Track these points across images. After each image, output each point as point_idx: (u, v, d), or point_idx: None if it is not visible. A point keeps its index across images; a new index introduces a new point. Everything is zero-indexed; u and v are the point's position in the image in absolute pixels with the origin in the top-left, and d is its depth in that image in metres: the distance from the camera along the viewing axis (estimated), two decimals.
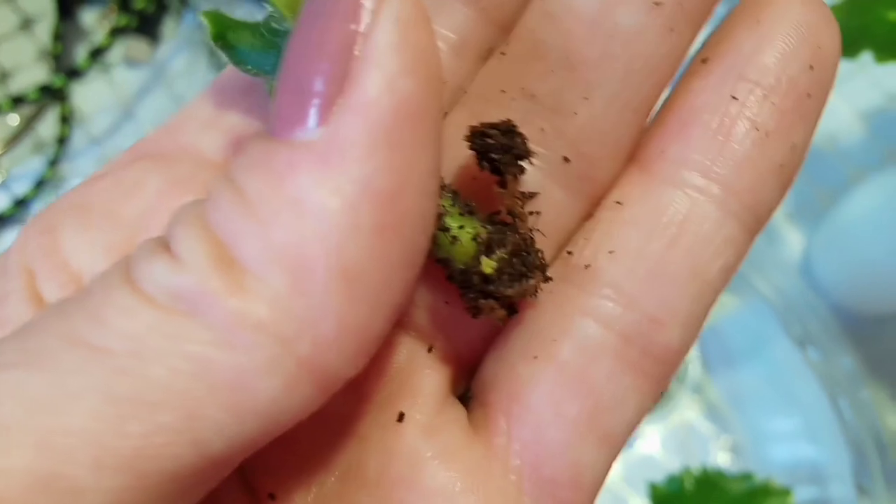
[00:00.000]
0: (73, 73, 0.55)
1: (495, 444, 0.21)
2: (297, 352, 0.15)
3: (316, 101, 0.15)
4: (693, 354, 0.48)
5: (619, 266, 0.21)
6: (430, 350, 0.22)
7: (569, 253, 0.22)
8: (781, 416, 0.49)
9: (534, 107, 0.21)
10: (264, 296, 0.15)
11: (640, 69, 0.21)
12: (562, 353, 0.21)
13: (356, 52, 0.15)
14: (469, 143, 0.20)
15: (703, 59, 0.22)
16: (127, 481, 0.14)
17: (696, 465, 0.50)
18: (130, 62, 0.59)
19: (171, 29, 0.59)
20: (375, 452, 0.21)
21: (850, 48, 0.37)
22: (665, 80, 0.22)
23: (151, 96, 0.58)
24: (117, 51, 0.59)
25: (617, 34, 0.21)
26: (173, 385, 0.14)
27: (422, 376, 0.21)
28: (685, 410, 0.51)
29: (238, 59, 0.20)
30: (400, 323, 0.21)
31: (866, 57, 0.39)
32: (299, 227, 0.15)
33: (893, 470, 0.45)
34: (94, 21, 0.59)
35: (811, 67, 0.21)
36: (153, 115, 0.57)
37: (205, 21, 0.21)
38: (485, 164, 0.20)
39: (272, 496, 0.20)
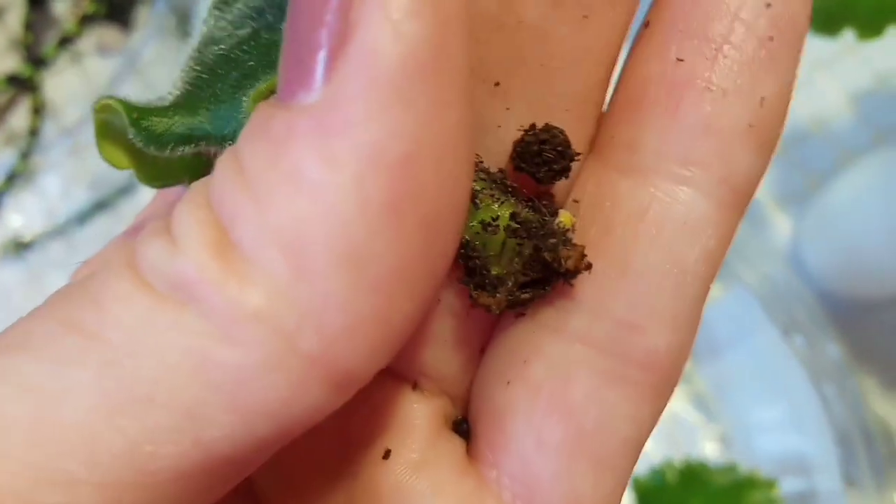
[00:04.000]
0: (41, 63, 0.53)
1: (487, 477, 0.19)
2: (301, 346, 0.13)
3: (319, 57, 0.13)
4: None
5: None
6: (414, 387, 0.20)
7: None
8: (768, 406, 0.48)
9: None
10: (261, 283, 0.13)
11: (560, 67, 0.19)
12: (534, 376, 0.19)
13: None
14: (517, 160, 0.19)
15: (645, 22, 0.19)
16: (125, 477, 0.13)
17: (683, 456, 0.49)
18: (102, 51, 0.58)
19: (143, 16, 0.58)
20: (365, 491, 0.19)
21: (831, 26, 0.36)
22: (598, 68, 0.19)
23: (124, 85, 0.57)
24: (89, 40, 0.57)
25: (522, 32, 0.18)
26: (169, 381, 0.13)
27: (410, 410, 0.20)
28: (671, 400, 0.50)
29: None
30: None
31: (852, 36, 0.38)
32: (297, 204, 0.13)
33: (880, 460, 0.44)
34: (65, 10, 0.58)
35: (767, 5, 0.18)
36: None
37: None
38: (532, 171, 0.19)
39: None
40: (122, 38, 0.57)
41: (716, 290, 0.50)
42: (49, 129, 0.56)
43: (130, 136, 0.18)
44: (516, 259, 0.18)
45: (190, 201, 0.14)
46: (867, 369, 0.51)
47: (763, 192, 0.55)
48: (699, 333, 0.52)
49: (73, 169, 0.55)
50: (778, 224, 0.54)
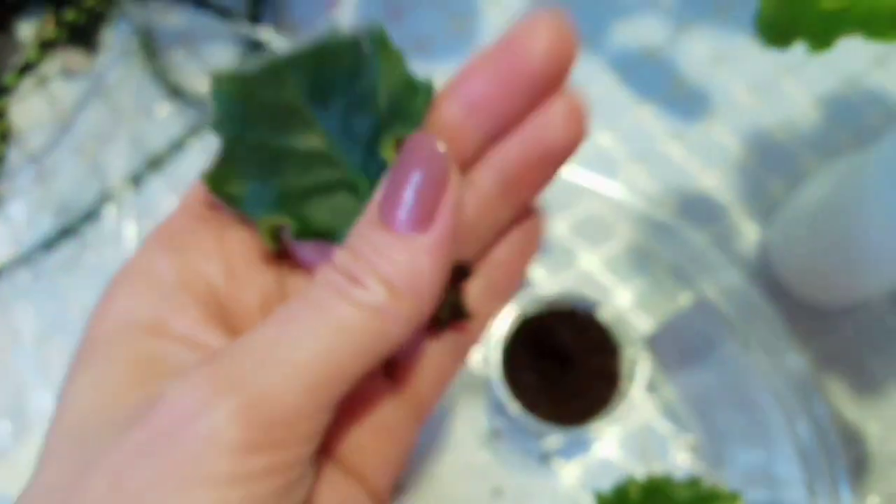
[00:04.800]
0: (3, 91, 0.53)
1: None
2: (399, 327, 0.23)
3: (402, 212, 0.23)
4: (644, 353, 0.47)
5: None
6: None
7: None
8: (734, 418, 0.48)
9: None
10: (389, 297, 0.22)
11: None
12: None
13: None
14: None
15: None
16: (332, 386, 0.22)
17: (655, 467, 0.49)
18: (67, 74, 0.57)
19: (108, 38, 0.58)
20: None
21: (781, 39, 0.35)
22: None
23: (90, 108, 0.56)
24: (54, 63, 0.57)
25: None
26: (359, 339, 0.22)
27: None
28: (642, 410, 0.50)
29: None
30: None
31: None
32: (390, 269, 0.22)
33: (842, 472, 0.44)
34: (30, 35, 0.58)
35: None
36: (92, 127, 0.56)
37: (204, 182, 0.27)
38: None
39: None
40: (87, 62, 0.57)
41: (684, 300, 0.50)
42: (14, 155, 0.56)
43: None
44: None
45: (355, 258, 0.23)
46: (836, 375, 0.51)
47: (732, 202, 0.55)
48: (667, 343, 0.52)
49: (38, 195, 0.55)
50: (747, 231, 0.54)
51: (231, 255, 0.26)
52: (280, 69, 0.26)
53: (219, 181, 0.26)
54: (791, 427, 0.45)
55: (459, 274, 0.28)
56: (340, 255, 0.23)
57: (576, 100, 0.26)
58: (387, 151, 0.25)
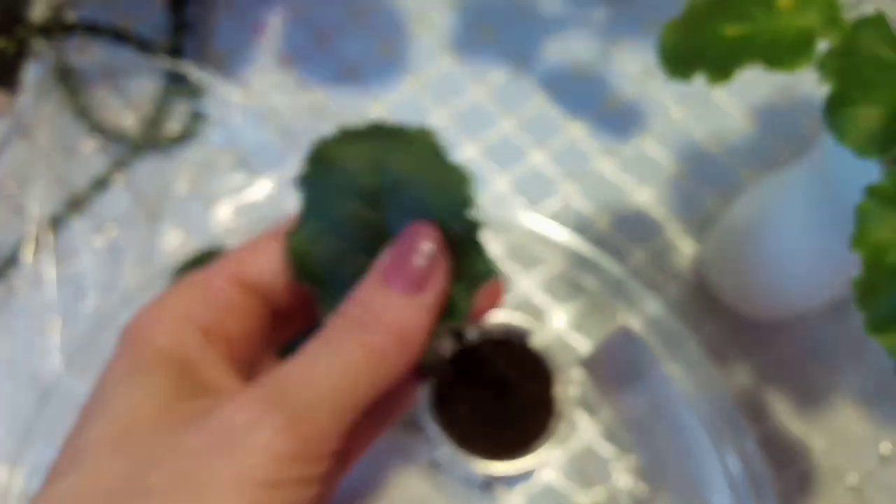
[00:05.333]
0: None
1: None
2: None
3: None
4: (582, 375, 0.47)
5: None
6: None
7: None
8: (668, 444, 0.47)
9: None
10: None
11: None
12: None
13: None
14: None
15: None
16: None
17: (598, 491, 0.48)
18: None
19: (28, 76, 0.56)
20: None
21: (682, 71, 0.35)
22: None
23: (10, 149, 0.55)
24: None
25: None
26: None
27: None
28: (584, 433, 0.49)
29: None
30: None
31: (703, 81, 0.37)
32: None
33: (769, 500, 0.44)
34: None
35: None
36: (13, 168, 0.55)
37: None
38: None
39: None
40: (7, 101, 0.56)
41: (619, 320, 0.50)
42: None
43: None
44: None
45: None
46: (778, 390, 0.50)
47: (667, 217, 0.54)
48: (603, 366, 0.51)
49: None
50: (682, 248, 0.54)
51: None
52: (367, 146, 0.31)
53: (300, 250, 0.30)
54: (720, 455, 0.44)
55: (454, 334, 0.31)
56: (351, 305, 0.28)
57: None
58: None
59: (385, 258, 0.29)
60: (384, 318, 0.27)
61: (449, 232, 0.30)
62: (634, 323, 0.48)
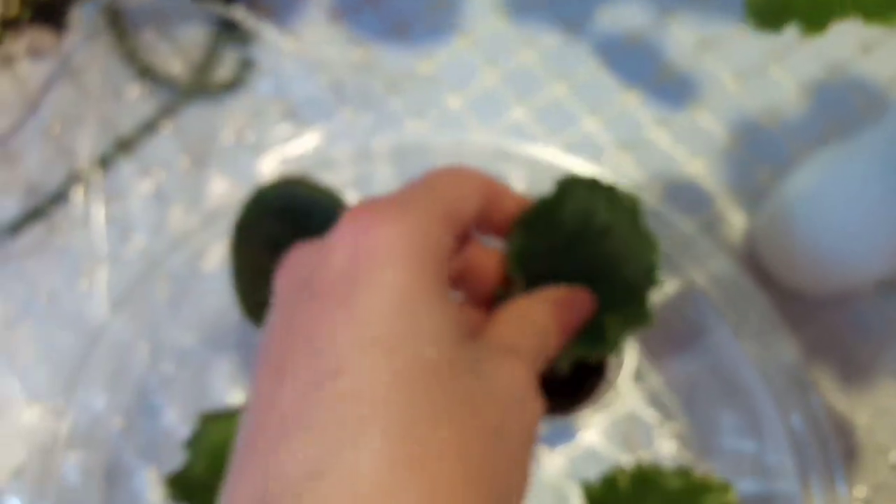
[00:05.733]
0: None
1: None
2: None
3: None
4: (631, 342, 0.46)
5: None
6: None
7: None
8: (723, 407, 0.47)
9: None
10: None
11: None
12: None
13: None
14: None
15: None
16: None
17: (640, 456, 0.48)
18: (34, 54, 0.55)
19: (76, 18, 0.56)
20: None
21: (772, 22, 0.34)
22: None
23: (57, 89, 0.54)
24: (20, 43, 0.55)
25: None
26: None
27: None
28: (627, 399, 0.49)
29: None
30: None
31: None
32: None
33: (837, 461, 0.43)
34: None
35: None
36: (59, 109, 0.54)
37: None
38: None
39: None
40: (55, 41, 0.55)
41: (671, 288, 0.49)
42: None
43: None
44: None
45: None
46: (824, 366, 0.50)
47: (717, 189, 0.54)
48: (655, 331, 0.51)
49: (4, 177, 0.52)
50: (734, 220, 0.53)
51: None
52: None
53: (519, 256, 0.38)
54: (784, 417, 0.44)
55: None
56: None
57: None
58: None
59: (565, 296, 0.34)
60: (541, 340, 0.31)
61: (629, 280, 0.38)
62: (700, 280, 0.47)
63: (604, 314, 0.41)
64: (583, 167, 0.52)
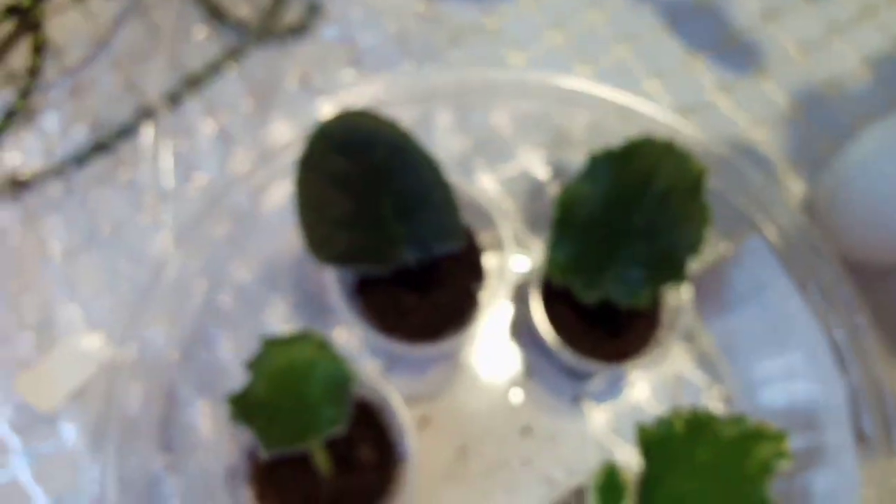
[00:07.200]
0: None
1: None
2: None
3: None
4: (686, 303, 0.46)
5: None
6: None
7: None
8: (777, 357, 0.47)
9: None
10: None
11: None
12: None
13: None
14: None
15: None
16: None
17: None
18: None
19: None
20: None
21: None
22: None
23: (127, 26, 0.55)
24: None
25: None
26: None
27: None
28: (676, 360, 0.49)
29: None
30: None
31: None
32: None
33: (892, 415, 0.43)
34: None
35: None
36: (129, 45, 0.55)
37: None
38: None
39: None
40: None
41: (728, 248, 0.49)
42: (50, 69, 0.54)
43: None
44: None
45: None
46: (882, 334, 0.50)
47: (777, 154, 0.54)
48: (709, 292, 0.51)
49: (73, 109, 0.54)
50: (793, 186, 0.53)
51: None
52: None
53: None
54: (841, 366, 0.44)
55: None
56: None
57: None
58: None
59: None
60: None
61: (674, 245, 0.41)
62: (766, 230, 0.48)
63: (643, 269, 0.42)
64: (663, 123, 0.52)
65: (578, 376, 0.49)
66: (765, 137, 0.54)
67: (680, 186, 0.41)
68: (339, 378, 0.39)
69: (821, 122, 0.55)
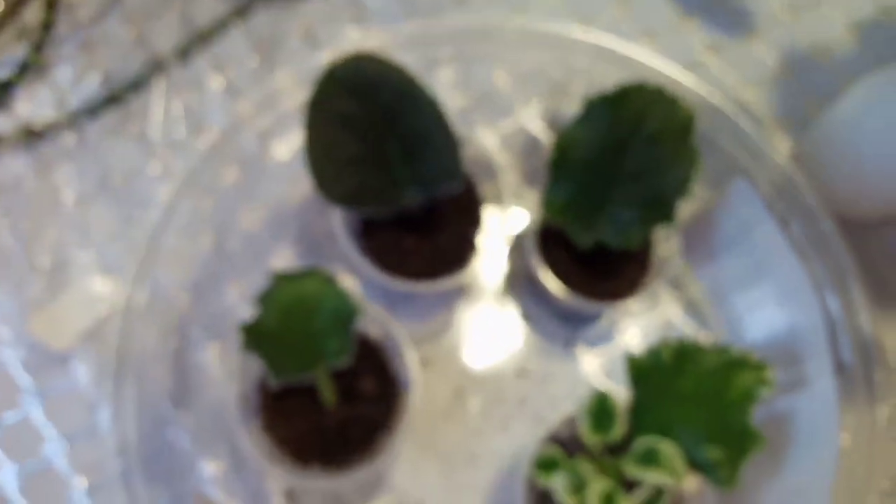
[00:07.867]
0: None
1: None
2: None
3: None
4: (674, 251, 0.48)
5: None
6: None
7: None
8: (758, 292, 0.49)
9: None
10: None
11: None
12: None
13: None
14: None
15: None
16: None
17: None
18: None
19: None
20: None
21: None
22: None
23: None
24: None
25: None
26: None
27: None
28: (666, 307, 0.51)
29: None
30: None
31: None
32: None
33: (869, 348, 0.45)
34: None
35: None
36: (139, 1, 0.57)
37: None
38: None
39: None
40: None
41: (713, 197, 0.51)
42: (63, 24, 0.56)
43: None
44: None
45: None
46: (865, 286, 0.52)
47: (765, 113, 0.56)
48: (696, 241, 0.53)
49: (85, 62, 0.55)
50: (780, 147, 0.55)
51: None
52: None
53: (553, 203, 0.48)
54: (820, 297, 0.46)
55: None
56: None
57: None
58: None
59: None
60: None
61: (665, 187, 0.44)
62: (755, 176, 0.50)
63: (634, 210, 0.44)
64: (661, 73, 0.53)
65: (572, 322, 0.51)
66: (754, 97, 0.56)
67: (669, 129, 0.43)
68: (345, 311, 0.41)
69: (808, 83, 0.57)
